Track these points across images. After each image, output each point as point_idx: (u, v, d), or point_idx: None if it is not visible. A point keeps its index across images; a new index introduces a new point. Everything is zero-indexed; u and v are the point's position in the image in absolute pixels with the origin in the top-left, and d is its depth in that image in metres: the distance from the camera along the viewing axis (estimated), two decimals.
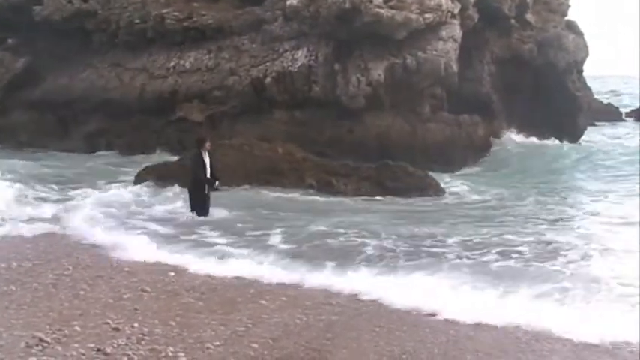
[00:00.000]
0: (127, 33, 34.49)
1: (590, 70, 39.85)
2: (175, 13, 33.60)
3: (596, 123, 48.08)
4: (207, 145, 19.30)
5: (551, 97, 34.30)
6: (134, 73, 34.23)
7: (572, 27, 37.65)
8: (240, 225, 18.03)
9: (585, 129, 39.29)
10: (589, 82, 39.24)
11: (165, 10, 33.80)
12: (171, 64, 33.22)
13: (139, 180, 23.70)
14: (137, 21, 34.27)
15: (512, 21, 34.84)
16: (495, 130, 32.39)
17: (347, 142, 28.73)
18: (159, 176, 23.46)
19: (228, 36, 32.20)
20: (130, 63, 34.44)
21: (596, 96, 48.93)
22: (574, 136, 38.01)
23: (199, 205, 18.89)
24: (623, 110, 60.74)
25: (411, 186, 23.02)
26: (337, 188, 22.99)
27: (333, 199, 22.13)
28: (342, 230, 17.36)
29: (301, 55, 30.10)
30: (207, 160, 18.99)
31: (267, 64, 30.71)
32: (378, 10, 28.59)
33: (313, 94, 29.68)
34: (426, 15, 29.34)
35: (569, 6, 38.23)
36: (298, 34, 30.35)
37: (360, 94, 29.04)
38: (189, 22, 33.17)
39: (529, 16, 35.66)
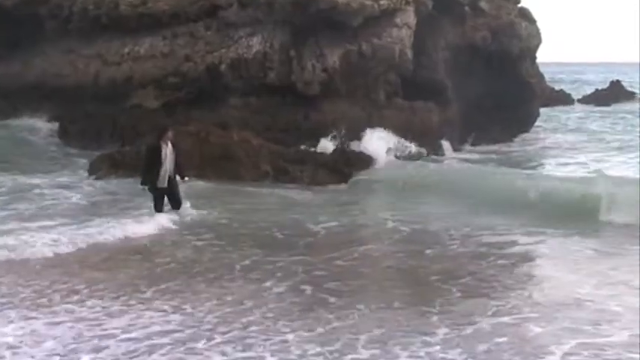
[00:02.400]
0: (80, 19, 34.17)
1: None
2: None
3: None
4: (170, 135, 17.97)
5: (504, 84, 34.66)
6: (88, 59, 33.96)
7: (525, 14, 38.03)
8: None
9: (538, 115, 39.84)
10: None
11: None
12: (126, 50, 33.00)
13: (93, 168, 23.60)
14: (91, 7, 33.94)
15: (466, 8, 35.08)
16: (449, 117, 32.61)
17: (303, 128, 28.80)
18: (113, 164, 23.38)
19: (183, 22, 32.03)
20: (84, 50, 34.15)
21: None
22: (527, 122, 38.54)
23: (160, 202, 17.90)
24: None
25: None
26: (293, 175, 23.08)
27: None
28: None
29: (256, 42, 30.06)
30: (168, 152, 17.65)
31: (223, 50, 30.63)
32: None
33: (269, 81, 29.69)
34: (381, 2, 29.45)
35: None
36: (253, 20, 30.29)
37: (316, 81, 29.11)
38: (143, 8, 32.91)
39: (483, 4, 35.91)
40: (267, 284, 13.04)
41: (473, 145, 34.22)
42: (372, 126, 29.04)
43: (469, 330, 10.78)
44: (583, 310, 11.70)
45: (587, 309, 11.72)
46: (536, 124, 40.08)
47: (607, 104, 57.93)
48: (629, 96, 62.50)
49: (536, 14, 38.33)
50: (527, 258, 15.28)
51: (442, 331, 10.67)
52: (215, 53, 30.74)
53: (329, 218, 18.60)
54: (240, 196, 21.44)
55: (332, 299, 12.16)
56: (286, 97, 29.49)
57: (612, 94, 61.47)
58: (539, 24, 38.21)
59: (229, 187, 22.30)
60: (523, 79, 36.45)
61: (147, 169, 17.86)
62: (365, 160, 23.97)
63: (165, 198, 18.06)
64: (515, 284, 13.16)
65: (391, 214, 19.30)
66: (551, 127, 43.74)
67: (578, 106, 58.31)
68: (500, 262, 14.62)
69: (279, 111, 29.27)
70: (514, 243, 16.15)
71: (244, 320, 11.09)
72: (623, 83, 66.10)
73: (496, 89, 34.39)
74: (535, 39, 37.81)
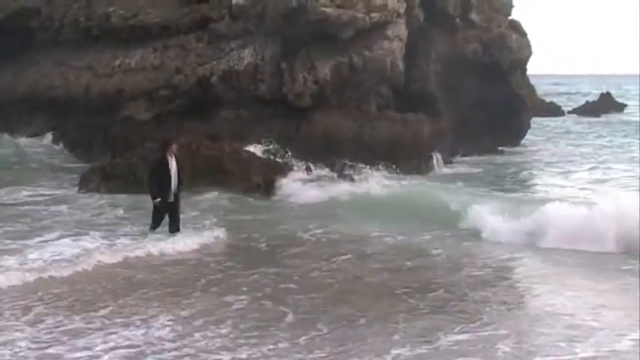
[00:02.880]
0: (71, 31, 34.19)
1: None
2: (121, 12, 33.35)
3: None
4: (174, 148, 17.37)
5: (495, 96, 34.77)
6: (79, 71, 33.95)
7: (515, 27, 38.21)
8: None
9: (529, 127, 39.96)
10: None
11: (110, 8, 33.53)
12: (117, 62, 32.99)
13: (84, 180, 23.53)
14: (82, 19, 33.98)
15: (457, 20, 35.23)
16: (441, 128, 32.68)
17: (294, 140, 28.80)
18: (104, 176, 23.33)
19: (174, 34, 32.05)
20: (75, 61, 34.14)
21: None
22: (518, 133, 38.66)
23: (160, 220, 17.18)
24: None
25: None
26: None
27: None
28: None
29: (248, 54, 30.09)
30: (173, 166, 17.00)
31: (214, 62, 30.64)
32: (324, 9, 28.69)
33: (260, 93, 29.71)
34: (373, 14, 29.54)
35: (512, 6, 38.76)
36: (244, 32, 30.32)
37: (307, 93, 29.15)
38: (134, 20, 32.94)
39: (473, 16, 36.06)
40: (229, 299, 12.79)
41: (463, 156, 34.20)
42: (364, 138, 29.14)
43: (430, 347, 10.50)
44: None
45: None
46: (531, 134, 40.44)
47: (597, 116, 58.20)
48: (619, 107, 62.76)
49: (529, 27, 38.50)
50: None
51: (401, 351, 10.34)
52: (206, 65, 30.75)
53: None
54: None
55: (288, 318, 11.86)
56: (278, 109, 29.51)
57: (602, 105, 61.70)
58: (531, 36, 38.46)
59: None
60: (513, 91, 36.59)
61: (156, 183, 17.07)
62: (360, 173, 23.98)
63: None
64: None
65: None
66: (543, 138, 43.92)
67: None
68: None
69: (271, 123, 29.28)
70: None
71: (193, 337, 10.90)
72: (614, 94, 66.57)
73: (487, 101, 34.50)
74: (525, 51, 37.98)
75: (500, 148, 36.18)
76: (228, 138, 26.51)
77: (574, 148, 39.60)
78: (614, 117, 57.47)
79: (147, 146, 24.89)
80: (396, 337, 10.89)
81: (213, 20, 31.24)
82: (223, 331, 11.14)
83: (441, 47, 34.41)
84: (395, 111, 30.45)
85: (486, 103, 34.61)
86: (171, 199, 16.97)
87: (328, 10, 28.72)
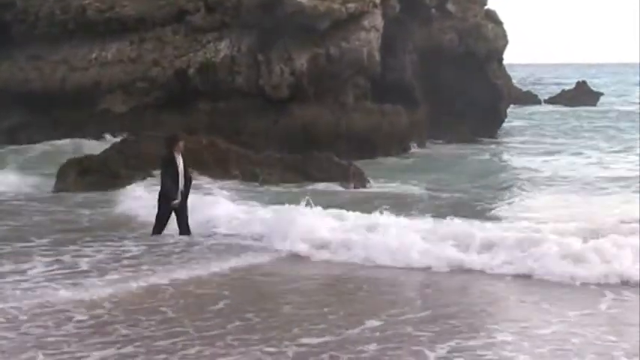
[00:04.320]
0: (47, 24, 33.94)
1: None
2: (97, 4, 33.15)
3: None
4: (181, 145, 15.97)
5: (472, 85, 34.90)
6: (55, 65, 33.71)
7: (491, 16, 38.35)
8: None
9: (506, 116, 40.16)
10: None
11: (86, 1, 33.32)
12: (93, 55, 32.83)
13: (61, 174, 23.40)
14: (57, 12, 33.73)
15: (433, 10, 35.34)
16: (418, 119, 32.78)
17: (272, 132, 28.83)
18: (82, 169, 23.23)
19: (150, 27, 31.96)
20: (51, 55, 33.90)
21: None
22: (495, 122, 38.83)
23: (165, 222, 15.89)
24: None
25: (336, 175, 23.23)
26: (262, 179, 23.08)
27: None
28: None
29: (224, 46, 30.08)
30: (180, 163, 15.76)
31: (191, 55, 30.61)
32: (300, 0, 28.72)
33: (237, 85, 29.72)
34: (349, 5, 29.60)
35: None
36: (221, 25, 30.32)
37: (284, 84, 29.19)
38: (111, 13, 32.78)
39: (449, 6, 36.21)
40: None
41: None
42: (342, 129, 29.20)
43: None
44: None
45: None
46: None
47: (573, 105, 58.59)
48: (596, 96, 63.13)
49: (505, 16, 38.72)
50: None
51: None
52: (183, 58, 30.72)
53: None
54: None
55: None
56: (255, 101, 29.52)
57: (578, 94, 62.05)
58: (507, 26, 38.60)
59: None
60: (490, 81, 36.75)
61: (170, 181, 15.67)
62: (337, 165, 23.94)
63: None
64: None
65: None
66: (519, 126, 44.20)
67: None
68: None
69: (248, 115, 29.29)
70: None
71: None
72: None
73: (464, 91, 34.63)
74: (501, 40, 38.13)
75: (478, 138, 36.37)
76: (205, 130, 26.49)
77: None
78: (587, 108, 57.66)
79: (125, 139, 24.88)
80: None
81: (190, 12, 31.20)
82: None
83: (418, 38, 34.52)
84: (372, 102, 30.54)
85: (463, 93, 34.74)
86: (179, 198, 15.73)
87: (304, 1, 28.75)
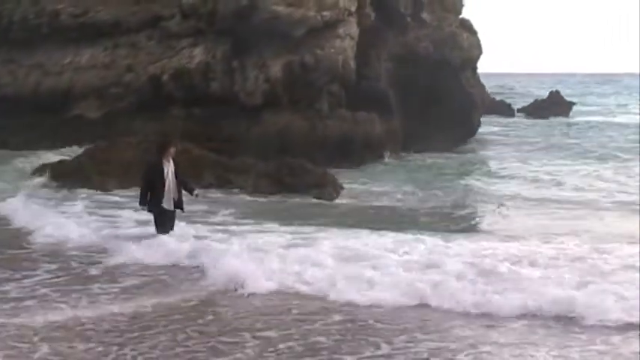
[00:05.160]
0: (20, 28, 33.78)
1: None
2: (71, 9, 33.05)
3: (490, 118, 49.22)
4: (172, 151, 15.78)
5: (446, 94, 35.02)
6: (28, 69, 33.56)
7: (466, 25, 38.55)
8: None
9: (479, 125, 40.31)
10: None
11: (60, 6, 33.20)
12: (67, 60, 32.70)
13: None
14: (31, 16, 33.59)
15: (409, 19, 35.45)
16: (392, 127, 32.85)
17: (246, 139, 28.78)
18: (55, 175, 23.11)
19: (124, 32, 31.87)
20: (24, 59, 33.73)
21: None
22: (469, 131, 38.97)
23: (165, 223, 15.65)
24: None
25: (310, 183, 23.21)
26: (235, 185, 23.03)
27: None
28: None
29: (199, 52, 30.04)
30: (170, 171, 15.51)
31: (165, 61, 30.55)
32: (275, 7, 28.77)
33: (211, 91, 29.66)
34: (324, 12, 29.66)
35: (463, 5, 39.13)
36: (196, 31, 30.28)
37: (258, 91, 29.19)
38: (85, 17, 32.67)
39: (425, 15, 36.34)
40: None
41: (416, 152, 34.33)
42: (316, 137, 29.18)
43: None
44: None
45: None
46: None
47: (546, 114, 58.87)
48: (568, 106, 63.48)
49: (479, 25, 38.93)
50: None
51: None
52: (157, 63, 30.65)
53: None
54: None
55: None
56: (229, 107, 29.46)
57: (551, 104, 62.38)
58: (481, 35, 38.85)
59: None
60: (464, 90, 36.90)
61: (147, 188, 15.57)
62: (311, 172, 23.92)
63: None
64: None
65: None
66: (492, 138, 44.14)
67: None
68: None
69: (222, 122, 29.23)
70: None
71: None
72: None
73: (438, 99, 34.72)
74: (476, 50, 38.35)
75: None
76: (179, 137, 26.38)
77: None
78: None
79: (97, 144, 24.76)
80: None
81: (164, 18, 31.14)
82: None
83: (393, 46, 34.61)
84: (347, 110, 30.55)
85: (438, 102, 34.83)
86: (170, 207, 15.54)
87: (279, 8, 28.80)
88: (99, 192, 21.81)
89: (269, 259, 13.55)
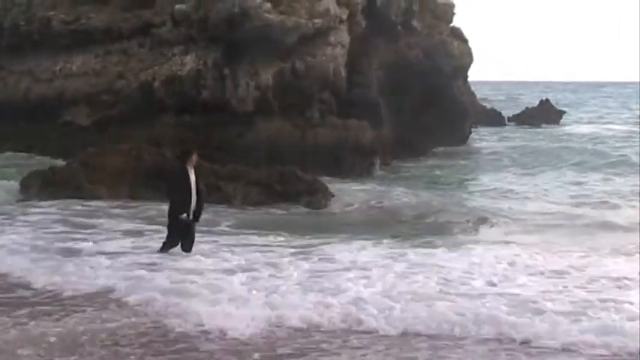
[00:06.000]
0: (11, 35, 33.80)
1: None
2: (62, 16, 33.07)
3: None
4: (194, 158, 15.34)
5: (437, 102, 35.12)
6: (19, 76, 33.59)
7: (457, 34, 38.70)
8: None
9: (470, 132, 40.43)
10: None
11: (51, 13, 33.23)
12: (58, 67, 32.70)
13: (24, 186, 23.21)
14: (22, 23, 33.62)
15: (399, 27, 35.53)
16: (383, 135, 32.89)
17: (237, 146, 28.76)
18: (45, 182, 23.03)
19: (116, 39, 31.87)
20: (15, 66, 33.76)
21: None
22: (460, 139, 39.09)
23: (182, 237, 15.25)
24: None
25: (300, 190, 23.21)
26: (226, 192, 22.98)
27: None
28: None
29: (190, 60, 30.01)
30: (193, 178, 15.09)
31: (156, 68, 30.52)
32: (267, 14, 28.77)
33: (202, 98, 29.63)
34: (315, 20, 29.70)
35: (454, 13, 39.27)
36: (187, 38, 30.26)
37: (249, 98, 29.18)
38: (76, 24, 32.68)
39: (415, 23, 36.44)
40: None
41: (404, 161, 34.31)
42: (307, 144, 29.17)
43: None
44: None
45: None
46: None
47: (537, 122, 59.09)
48: (559, 114, 63.71)
49: (470, 34, 39.08)
50: None
51: None
52: (148, 70, 30.62)
53: None
54: None
55: None
56: (220, 114, 29.45)
57: (542, 112, 62.58)
58: (472, 43, 39.02)
59: None
60: (455, 97, 37.01)
61: (176, 196, 15.13)
62: (303, 180, 23.88)
63: None
64: None
65: None
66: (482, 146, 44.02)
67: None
68: None
69: (213, 129, 29.22)
70: None
71: None
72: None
73: (429, 107, 34.82)
74: (467, 58, 38.52)
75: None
76: (170, 144, 26.36)
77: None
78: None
79: (88, 151, 24.69)
80: None
81: (156, 26, 31.13)
82: None
83: (384, 54, 34.68)
84: (337, 117, 30.58)
85: (428, 110, 34.93)
86: (191, 215, 15.15)
87: (271, 15, 28.80)
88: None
89: None
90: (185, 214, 15.07)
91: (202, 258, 14.91)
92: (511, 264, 14.81)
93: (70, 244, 16.28)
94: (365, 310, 11.60)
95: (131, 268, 14.14)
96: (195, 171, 15.32)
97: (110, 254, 15.24)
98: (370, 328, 11.15)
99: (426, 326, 11.15)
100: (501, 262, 14.96)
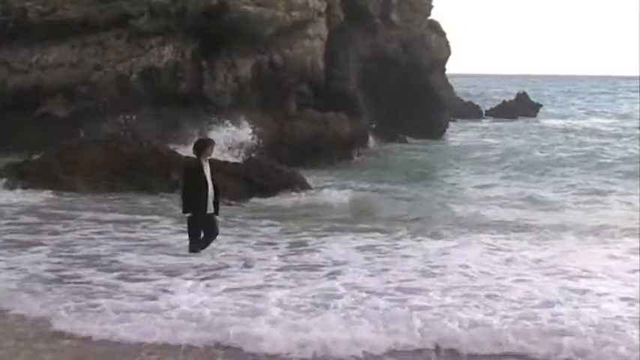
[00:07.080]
0: None
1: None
2: (38, 7, 32.77)
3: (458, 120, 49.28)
4: (210, 151, 14.96)
5: (415, 95, 35.22)
6: None
7: (435, 27, 38.80)
8: None
9: (447, 125, 40.57)
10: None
11: (27, 3, 32.93)
12: (34, 58, 32.44)
13: None
14: None
15: (378, 20, 35.59)
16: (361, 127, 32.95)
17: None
18: (20, 174, 22.88)
19: (93, 31, 31.66)
20: None
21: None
22: (437, 131, 39.20)
23: (199, 235, 14.74)
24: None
25: (278, 183, 23.20)
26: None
27: None
28: None
29: (168, 52, 29.93)
30: (208, 172, 14.70)
31: (133, 59, 30.40)
32: (245, 6, 28.75)
33: (180, 91, 29.57)
34: (293, 13, 29.70)
35: (432, 6, 39.36)
36: (165, 30, 30.17)
37: (227, 91, 29.15)
38: (52, 15, 32.42)
39: (394, 16, 36.55)
40: None
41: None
42: (285, 137, 29.14)
43: None
44: None
45: None
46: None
47: (514, 116, 59.42)
48: (535, 107, 64.03)
49: (448, 27, 39.19)
50: None
51: None
52: (125, 62, 30.49)
53: None
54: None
55: None
56: (199, 107, 29.38)
57: (519, 105, 62.87)
58: (450, 36, 39.13)
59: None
60: (432, 90, 37.13)
61: (190, 191, 14.66)
62: (280, 172, 23.86)
63: None
64: None
65: None
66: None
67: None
68: None
69: (191, 121, 29.12)
70: None
71: None
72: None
73: (407, 99, 34.92)
74: (444, 51, 38.64)
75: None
76: (147, 136, 26.26)
77: None
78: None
79: (64, 144, 24.55)
80: None
81: (133, 17, 30.97)
82: None
83: (362, 47, 34.75)
84: (315, 110, 30.60)
85: (406, 102, 35.03)
86: (211, 209, 14.68)
87: (249, 7, 28.79)
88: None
89: None
90: (190, 212, 14.63)
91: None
92: None
93: None
94: None
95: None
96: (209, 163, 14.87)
97: None
98: None
99: None
100: None
